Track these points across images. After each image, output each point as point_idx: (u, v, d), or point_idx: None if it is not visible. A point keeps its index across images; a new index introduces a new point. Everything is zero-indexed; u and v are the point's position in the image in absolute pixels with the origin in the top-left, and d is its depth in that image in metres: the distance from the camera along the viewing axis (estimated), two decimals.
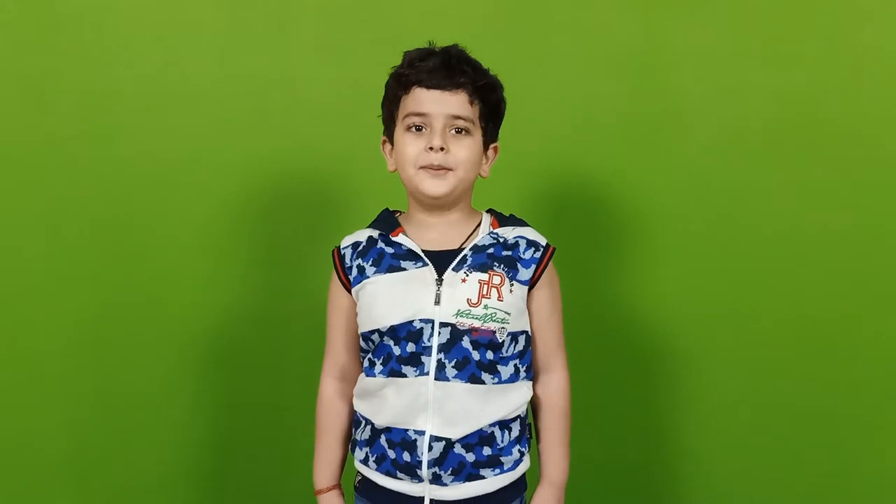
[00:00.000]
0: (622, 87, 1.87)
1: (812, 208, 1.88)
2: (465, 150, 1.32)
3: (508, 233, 1.37)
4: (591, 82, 1.86)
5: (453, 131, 1.32)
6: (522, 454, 1.37)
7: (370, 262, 1.35)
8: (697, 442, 1.95)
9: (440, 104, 1.31)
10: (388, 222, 1.38)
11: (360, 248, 1.37)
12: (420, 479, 1.32)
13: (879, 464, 1.93)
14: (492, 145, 1.39)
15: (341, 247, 1.39)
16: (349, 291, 1.37)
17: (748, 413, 1.93)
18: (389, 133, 1.38)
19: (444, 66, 1.31)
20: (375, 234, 1.38)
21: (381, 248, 1.36)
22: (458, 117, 1.31)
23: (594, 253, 1.91)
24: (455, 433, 1.31)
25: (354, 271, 1.36)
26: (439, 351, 1.30)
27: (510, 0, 1.86)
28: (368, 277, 1.34)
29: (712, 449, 1.95)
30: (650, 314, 1.92)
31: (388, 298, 1.32)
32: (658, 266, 1.91)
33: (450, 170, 1.31)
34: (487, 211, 1.42)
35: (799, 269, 1.90)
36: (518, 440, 1.36)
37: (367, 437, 1.36)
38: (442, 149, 1.30)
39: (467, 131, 1.32)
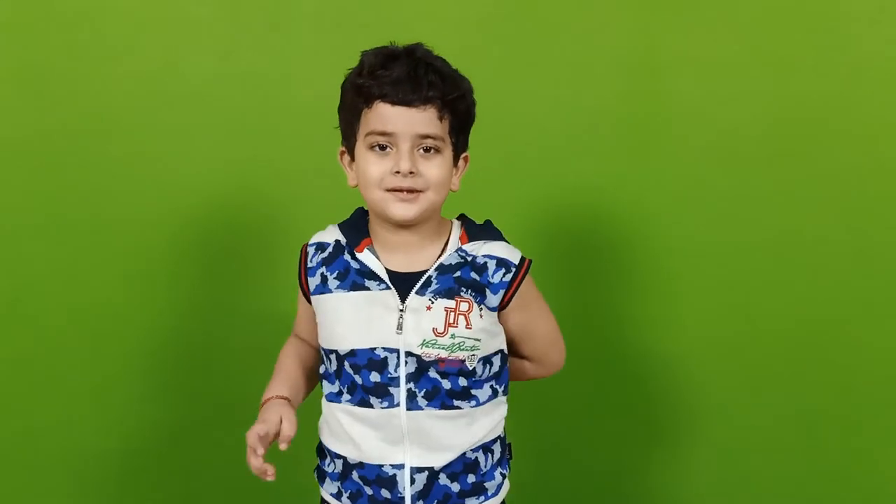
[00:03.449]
0: (618, 92, 1.85)
1: (810, 213, 1.87)
2: (435, 170, 1.20)
3: (478, 249, 1.25)
4: (587, 88, 1.84)
5: (421, 150, 1.19)
6: (504, 476, 1.31)
7: (335, 275, 1.25)
8: (697, 444, 1.95)
9: (407, 123, 1.17)
10: (356, 230, 1.27)
11: (328, 252, 1.27)
12: None
13: (876, 467, 1.93)
14: (462, 155, 1.27)
15: (308, 244, 1.31)
16: (307, 297, 1.30)
17: (745, 416, 1.93)
18: (349, 146, 1.25)
19: (411, 76, 1.17)
20: (343, 240, 1.27)
21: (346, 260, 1.25)
22: (427, 136, 1.19)
23: (590, 257, 1.90)
24: (438, 461, 1.23)
25: (318, 278, 1.27)
26: (408, 381, 1.21)
27: (506, 4, 1.84)
28: (332, 292, 1.25)
29: (710, 451, 1.95)
30: (645, 318, 1.91)
31: (351, 320, 1.23)
32: (653, 270, 1.90)
33: (420, 192, 1.20)
34: (458, 217, 1.31)
35: (796, 274, 1.89)
36: (499, 462, 1.30)
37: (340, 472, 1.28)
38: (411, 172, 1.18)
39: (437, 149, 1.20)
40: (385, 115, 1.18)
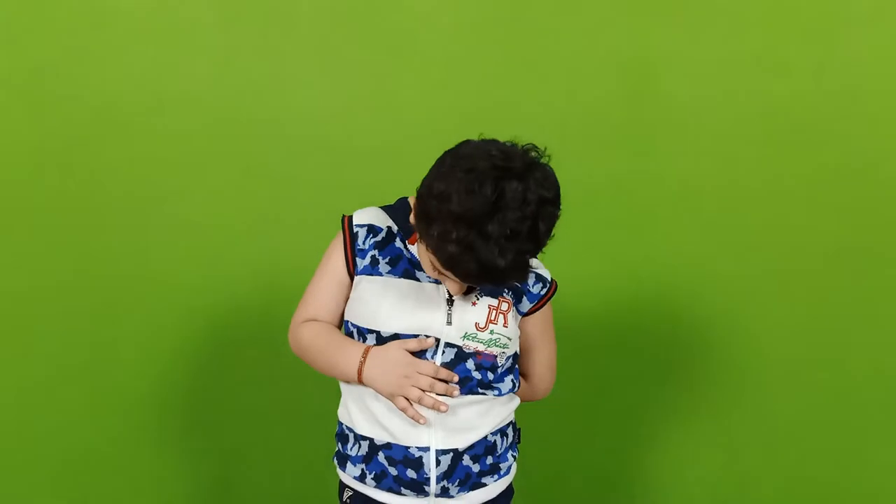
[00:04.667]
0: (616, 92, 1.86)
1: (805, 214, 1.89)
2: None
3: None
4: (583, 88, 1.86)
5: None
6: (514, 458, 1.38)
7: (387, 260, 1.29)
8: (697, 444, 1.96)
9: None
10: (407, 222, 1.29)
11: (381, 237, 1.30)
12: (426, 494, 1.29)
13: (876, 468, 1.94)
14: None
15: (354, 222, 1.30)
16: (350, 274, 1.30)
17: (746, 417, 1.94)
18: (420, 230, 1.20)
19: (503, 272, 1.13)
20: (395, 227, 1.30)
21: (399, 248, 1.29)
22: None
23: (588, 258, 1.89)
24: (461, 443, 1.29)
25: (367, 259, 1.29)
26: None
27: (504, 7, 1.85)
28: (381, 275, 1.28)
29: (711, 451, 1.96)
30: (644, 318, 1.92)
31: (398, 304, 1.27)
32: (652, 271, 1.91)
33: None
34: None
35: (794, 274, 1.90)
36: (511, 445, 1.37)
37: (364, 454, 1.31)
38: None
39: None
40: (452, 284, 1.23)
